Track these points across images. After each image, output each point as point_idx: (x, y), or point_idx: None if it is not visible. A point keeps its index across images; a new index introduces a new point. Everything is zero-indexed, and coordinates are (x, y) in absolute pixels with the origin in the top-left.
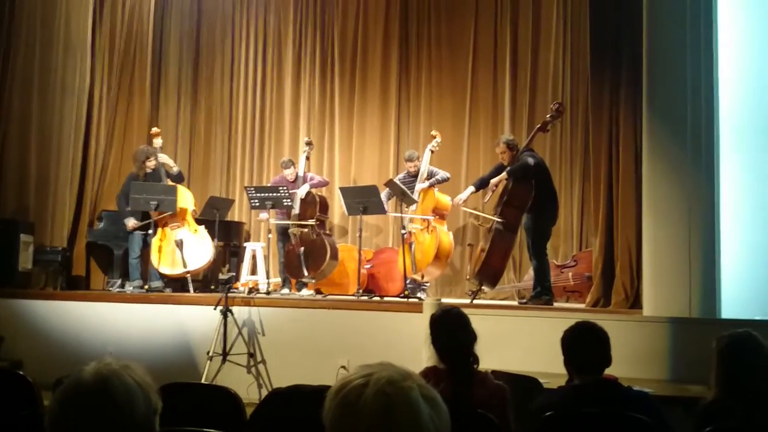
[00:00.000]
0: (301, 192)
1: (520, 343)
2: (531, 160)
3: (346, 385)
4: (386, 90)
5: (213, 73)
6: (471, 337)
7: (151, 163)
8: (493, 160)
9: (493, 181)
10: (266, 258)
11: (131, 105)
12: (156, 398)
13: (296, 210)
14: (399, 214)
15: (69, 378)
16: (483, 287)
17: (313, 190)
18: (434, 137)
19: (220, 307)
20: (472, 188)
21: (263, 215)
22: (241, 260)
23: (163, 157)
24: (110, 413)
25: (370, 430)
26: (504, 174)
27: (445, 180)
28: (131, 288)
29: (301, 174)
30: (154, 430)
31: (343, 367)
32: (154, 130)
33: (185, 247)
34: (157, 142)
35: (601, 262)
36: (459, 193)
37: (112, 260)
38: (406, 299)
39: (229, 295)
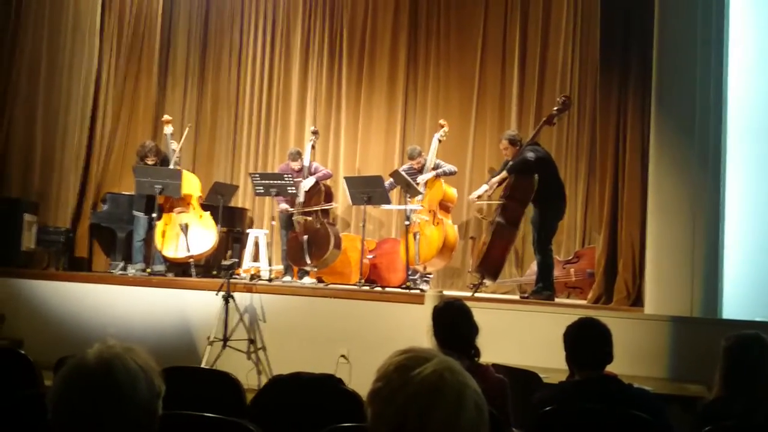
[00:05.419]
0: (306, 185)
1: (521, 337)
2: (530, 155)
3: (411, 352)
4: (393, 81)
5: (221, 59)
6: (473, 329)
7: (149, 161)
8: (498, 153)
9: (494, 180)
10: (269, 245)
11: (138, 88)
12: (159, 382)
13: (301, 198)
14: (403, 207)
15: (72, 360)
16: (484, 280)
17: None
18: (442, 126)
19: (221, 293)
20: (486, 186)
21: (283, 205)
22: (243, 246)
23: (173, 144)
24: (113, 396)
25: (411, 399)
26: (504, 173)
27: (451, 173)
28: (133, 271)
29: (306, 163)
30: (157, 414)
31: (343, 356)
32: (165, 117)
33: (189, 233)
34: (168, 129)
35: (604, 259)
36: (464, 186)
37: (115, 242)
38: (407, 290)
39: (231, 281)
